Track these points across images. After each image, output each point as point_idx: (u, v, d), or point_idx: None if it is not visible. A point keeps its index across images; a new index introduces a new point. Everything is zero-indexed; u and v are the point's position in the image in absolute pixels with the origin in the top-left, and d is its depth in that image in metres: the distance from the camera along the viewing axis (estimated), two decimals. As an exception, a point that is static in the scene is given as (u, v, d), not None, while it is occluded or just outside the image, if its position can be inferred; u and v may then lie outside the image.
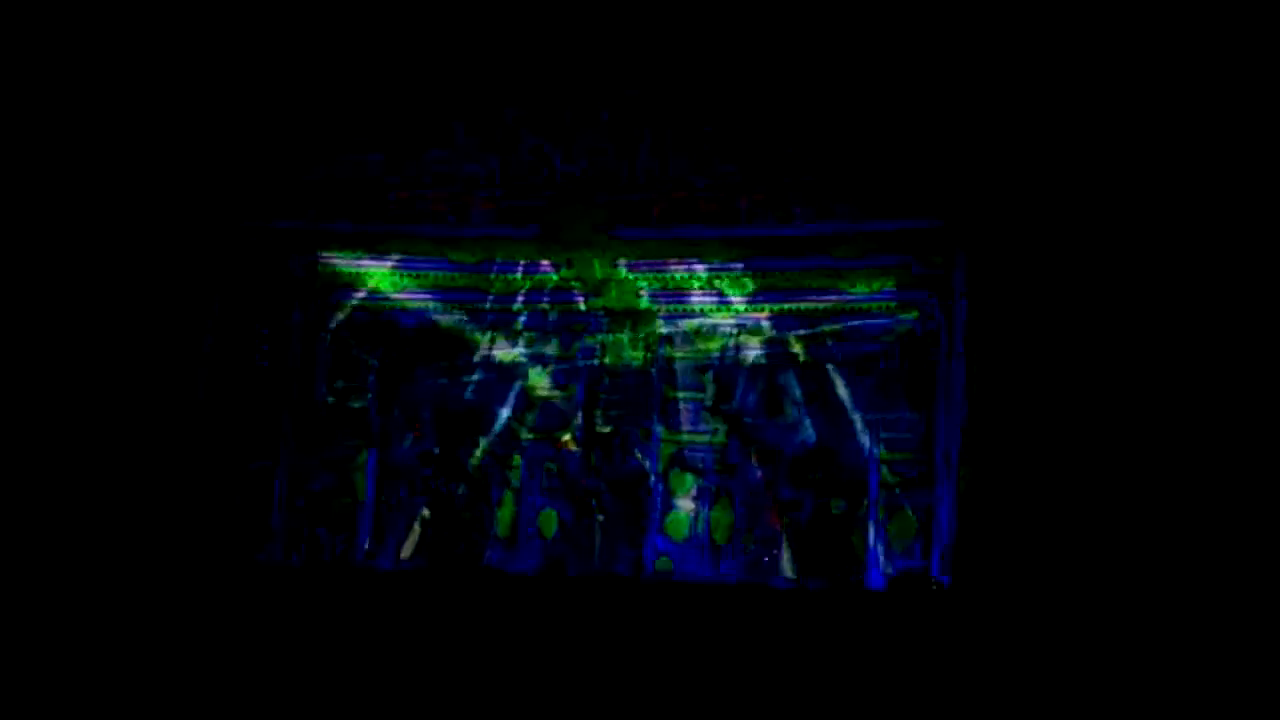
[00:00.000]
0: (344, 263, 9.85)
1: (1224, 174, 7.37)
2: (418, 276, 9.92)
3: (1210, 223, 7.36)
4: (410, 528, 9.74)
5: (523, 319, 10.25)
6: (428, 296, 10.13)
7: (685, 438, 10.03)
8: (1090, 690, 6.58)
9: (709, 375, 10.23)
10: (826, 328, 9.80)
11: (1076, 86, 7.76)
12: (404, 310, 10.34)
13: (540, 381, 10.54)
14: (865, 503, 9.51)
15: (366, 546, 9.98)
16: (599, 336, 10.29)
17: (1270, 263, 7.18)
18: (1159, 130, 7.57)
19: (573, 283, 9.78)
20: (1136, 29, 7.60)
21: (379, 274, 9.91)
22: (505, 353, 10.66)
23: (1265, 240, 7.22)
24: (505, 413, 10.67)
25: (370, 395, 10.43)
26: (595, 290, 9.81)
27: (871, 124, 8.49)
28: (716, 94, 8.77)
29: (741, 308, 9.71)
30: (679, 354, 10.22)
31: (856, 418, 10.05)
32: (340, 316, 10.25)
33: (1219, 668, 6.54)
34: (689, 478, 9.80)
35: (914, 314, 9.39)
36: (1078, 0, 7.74)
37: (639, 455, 10.06)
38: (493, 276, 9.78)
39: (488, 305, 10.09)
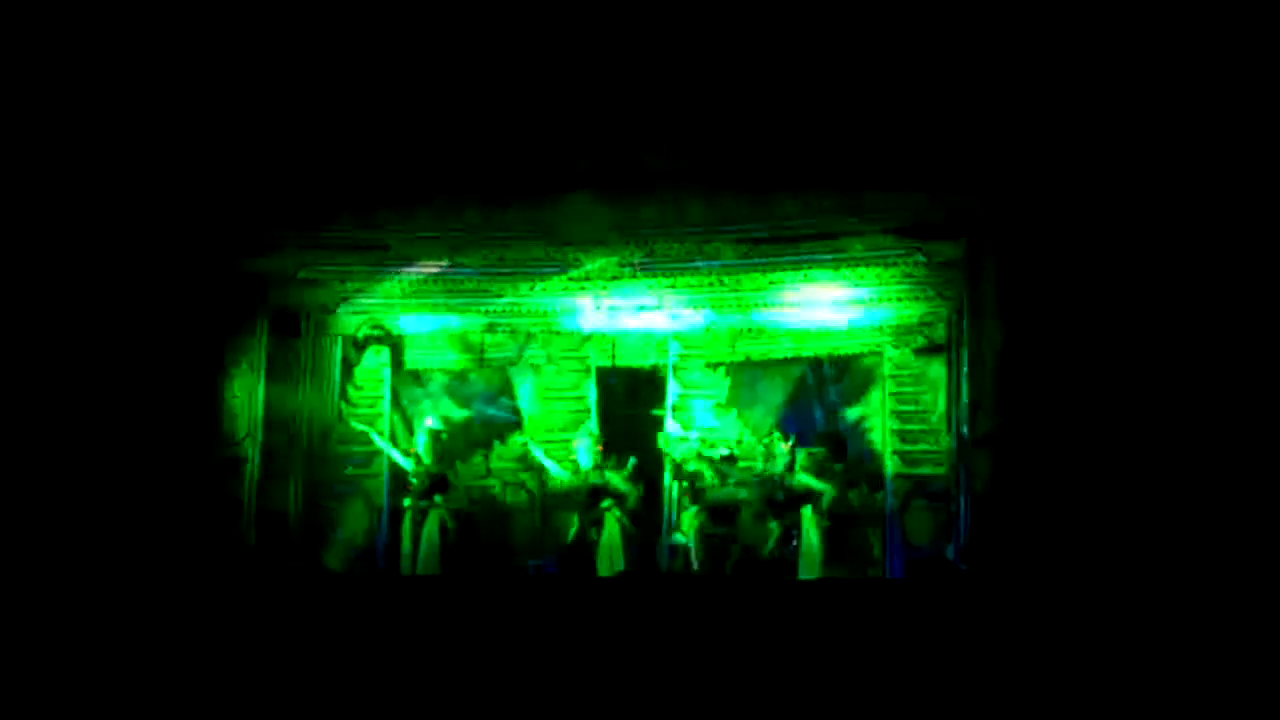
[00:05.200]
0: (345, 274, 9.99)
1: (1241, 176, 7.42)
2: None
3: (1227, 226, 7.41)
4: (430, 533, 9.70)
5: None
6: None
7: (700, 435, 10.03)
8: (1105, 671, 6.60)
9: (722, 371, 10.25)
10: (838, 324, 9.79)
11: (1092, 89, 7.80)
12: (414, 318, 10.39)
13: (553, 382, 10.55)
14: (883, 494, 9.54)
15: (383, 554, 10.01)
16: (612, 335, 10.30)
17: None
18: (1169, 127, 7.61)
19: (583, 285, 9.80)
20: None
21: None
22: (518, 353, 10.70)
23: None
24: (520, 414, 10.71)
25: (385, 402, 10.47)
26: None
27: (899, 132, 8.55)
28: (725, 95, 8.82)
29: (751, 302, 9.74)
30: (693, 352, 10.24)
31: (871, 408, 10.10)
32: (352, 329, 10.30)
33: (1227, 657, 6.55)
34: (707, 472, 9.79)
35: (927, 307, 9.37)
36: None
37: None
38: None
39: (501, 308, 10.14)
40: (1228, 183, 7.38)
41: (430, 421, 10.02)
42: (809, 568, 9.02)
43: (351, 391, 10.42)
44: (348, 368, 10.48)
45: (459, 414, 10.78)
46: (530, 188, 9.28)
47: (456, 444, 10.41)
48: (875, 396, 10.08)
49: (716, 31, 8.54)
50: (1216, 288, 7.33)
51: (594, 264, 9.68)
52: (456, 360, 10.77)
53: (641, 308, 9.87)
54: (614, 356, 10.52)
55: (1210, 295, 7.34)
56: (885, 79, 8.44)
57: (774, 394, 10.45)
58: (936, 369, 9.60)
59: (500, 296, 9.95)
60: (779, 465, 9.31)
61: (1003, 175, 8.23)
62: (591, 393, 10.47)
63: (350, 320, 10.27)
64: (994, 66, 8.12)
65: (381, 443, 9.95)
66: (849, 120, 8.64)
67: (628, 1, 8.50)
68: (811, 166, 8.85)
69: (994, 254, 8.50)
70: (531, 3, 8.64)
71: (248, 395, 9.64)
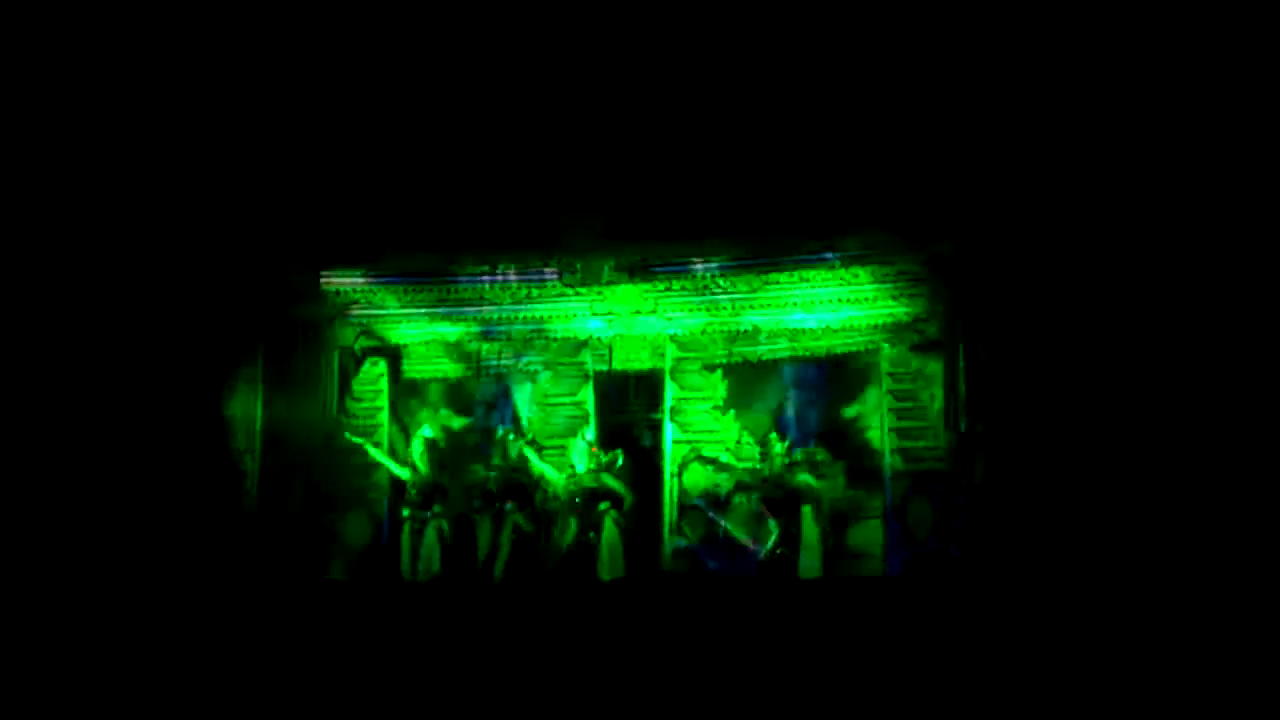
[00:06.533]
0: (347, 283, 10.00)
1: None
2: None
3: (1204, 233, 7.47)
4: (429, 542, 9.70)
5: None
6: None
7: (697, 437, 10.04)
8: (1101, 661, 6.63)
9: (719, 373, 10.26)
10: (834, 323, 9.80)
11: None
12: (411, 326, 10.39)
13: (551, 388, 10.55)
14: (881, 492, 9.54)
15: (384, 563, 10.00)
16: (608, 340, 10.30)
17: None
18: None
19: (579, 290, 9.81)
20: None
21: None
22: (515, 360, 10.68)
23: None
24: (518, 418, 10.70)
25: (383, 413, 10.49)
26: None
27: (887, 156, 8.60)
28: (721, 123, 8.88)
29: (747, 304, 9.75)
30: (690, 355, 10.25)
31: (869, 406, 10.10)
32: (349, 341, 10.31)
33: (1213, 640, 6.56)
34: (704, 474, 9.78)
35: (923, 304, 9.38)
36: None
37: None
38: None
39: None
40: (1196, 194, 7.49)
41: (426, 431, 10.00)
42: (809, 567, 9.01)
43: (350, 403, 10.42)
44: (345, 379, 10.48)
45: (457, 422, 10.80)
46: (527, 196, 9.33)
47: (455, 452, 10.40)
48: (873, 394, 10.07)
49: (711, 50, 8.63)
50: (1194, 290, 7.41)
51: (589, 269, 9.69)
52: (454, 369, 10.77)
53: (637, 312, 9.86)
54: (611, 361, 10.52)
55: (1189, 297, 7.42)
56: (879, 93, 8.52)
57: (771, 395, 10.44)
58: (933, 365, 9.57)
59: (496, 304, 9.93)
60: (776, 465, 9.30)
61: (994, 194, 8.30)
62: (589, 398, 10.45)
63: (347, 332, 10.26)
64: (984, 82, 8.20)
65: (377, 454, 9.94)
66: (845, 128, 8.70)
67: (626, 28, 8.58)
68: (808, 175, 8.91)
69: (984, 253, 8.54)
70: (532, 21, 8.71)
71: (246, 409, 9.66)
